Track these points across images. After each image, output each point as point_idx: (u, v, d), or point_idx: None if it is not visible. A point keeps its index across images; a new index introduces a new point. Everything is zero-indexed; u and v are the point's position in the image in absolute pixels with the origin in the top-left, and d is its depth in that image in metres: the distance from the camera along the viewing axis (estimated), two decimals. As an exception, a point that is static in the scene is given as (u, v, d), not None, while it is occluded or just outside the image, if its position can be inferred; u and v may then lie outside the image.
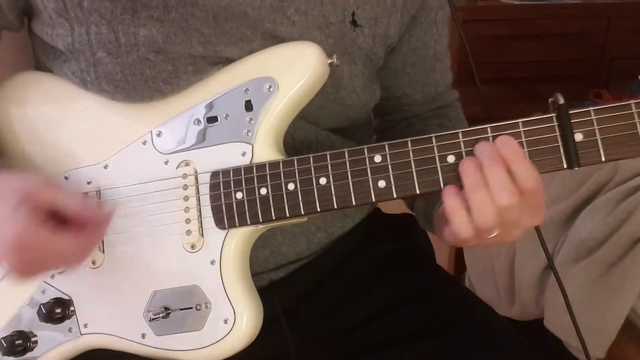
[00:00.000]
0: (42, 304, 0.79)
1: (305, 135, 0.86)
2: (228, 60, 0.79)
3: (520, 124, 0.67)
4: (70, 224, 0.73)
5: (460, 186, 0.69)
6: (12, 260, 0.71)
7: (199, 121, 0.77)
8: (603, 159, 0.65)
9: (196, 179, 0.76)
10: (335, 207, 0.72)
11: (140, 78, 0.76)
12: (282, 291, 0.89)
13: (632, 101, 0.65)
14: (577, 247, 1.48)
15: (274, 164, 0.74)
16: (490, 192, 0.66)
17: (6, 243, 0.69)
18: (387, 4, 0.85)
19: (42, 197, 0.72)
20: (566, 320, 1.45)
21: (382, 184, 0.70)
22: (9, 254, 0.70)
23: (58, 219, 0.73)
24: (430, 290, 0.89)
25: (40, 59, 0.86)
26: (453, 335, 0.82)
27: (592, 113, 0.65)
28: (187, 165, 0.77)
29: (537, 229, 0.79)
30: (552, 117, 0.67)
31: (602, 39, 2.63)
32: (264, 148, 0.75)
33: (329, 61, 0.77)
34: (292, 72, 0.76)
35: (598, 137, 0.65)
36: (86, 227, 0.73)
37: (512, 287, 1.68)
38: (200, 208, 0.76)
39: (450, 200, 0.68)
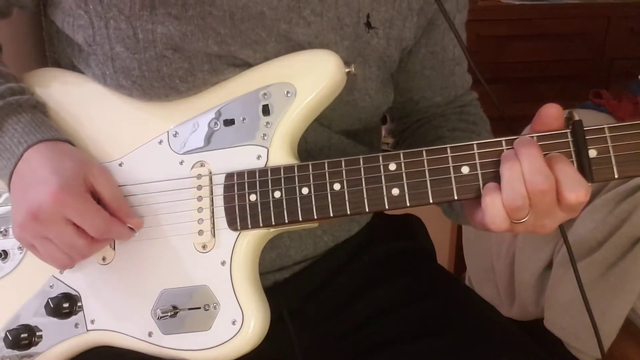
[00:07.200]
0: (50, 298, 0.79)
1: (318, 139, 0.86)
2: (243, 62, 0.79)
3: (535, 139, 0.68)
4: None
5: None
6: (33, 227, 0.72)
7: (215, 123, 0.78)
8: (616, 176, 0.66)
9: (210, 179, 0.77)
10: (349, 212, 0.72)
11: (157, 75, 0.77)
12: (287, 291, 0.89)
13: (645, 120, 0.66)
14: (577, 247, 1.49)
15: (288, 168, 0.74)
16: (524, 173, 0.66)
17: (46, 194, 0.71)
18: (402, 6, 0.85)
19: (88, 178, 0.75)
20: (566, 320, 1.47)
21: (395, 191, 0.71)
22: (43, 210, 0.71)
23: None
24: (432, 289, 0.90)
25: (64, 51, 0.86)
26: (456, 333, 0.83)
27: (607, 130, 0.66)
28: (202, 166, 0.77)
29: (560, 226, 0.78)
30: (566, 132, 0.67)
31: (602, 39, 2.64)
32: (279, 152, 0.76)
33: (347, 70, 0.77)
34: (311, 78, 0.76)
35: (612, 154, 0.66)
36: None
37: (512, 287, 1.68)
38: (213, 209, 0.76)
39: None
